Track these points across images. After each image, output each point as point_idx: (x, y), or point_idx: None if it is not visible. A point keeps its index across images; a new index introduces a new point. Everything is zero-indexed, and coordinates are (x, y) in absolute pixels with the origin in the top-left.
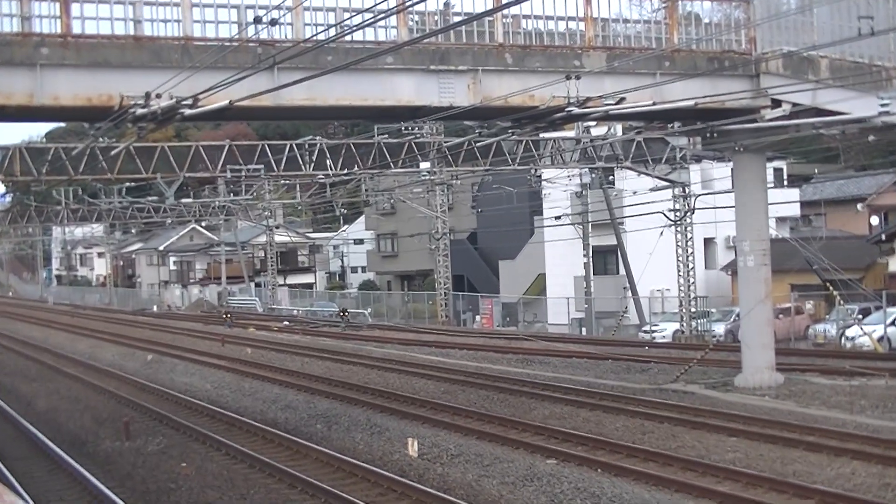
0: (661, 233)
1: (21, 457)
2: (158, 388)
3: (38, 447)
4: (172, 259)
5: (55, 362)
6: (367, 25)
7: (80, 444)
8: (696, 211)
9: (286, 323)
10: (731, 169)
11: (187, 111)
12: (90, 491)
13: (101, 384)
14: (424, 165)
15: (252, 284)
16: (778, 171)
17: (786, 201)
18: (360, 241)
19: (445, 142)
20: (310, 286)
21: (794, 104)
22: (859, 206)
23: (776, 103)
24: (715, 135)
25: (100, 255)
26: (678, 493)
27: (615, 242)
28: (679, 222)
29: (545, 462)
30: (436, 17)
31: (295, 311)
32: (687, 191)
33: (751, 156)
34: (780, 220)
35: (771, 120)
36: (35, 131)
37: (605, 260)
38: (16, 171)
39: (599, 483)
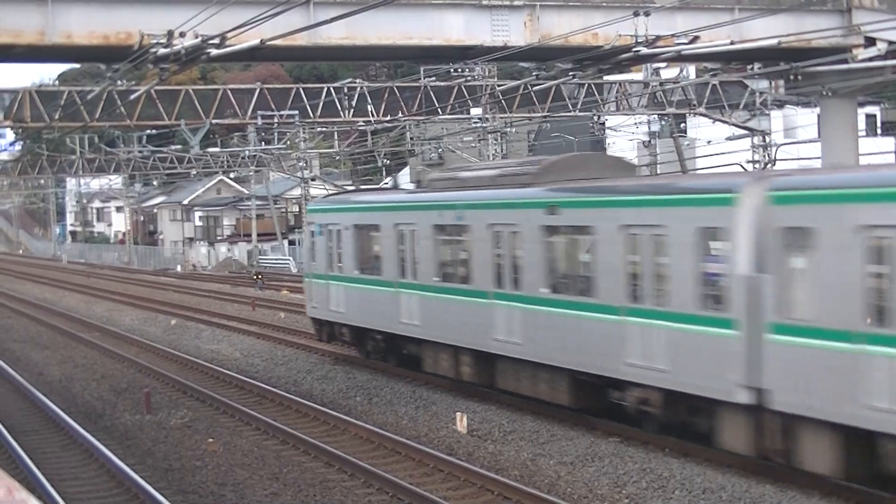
0: None
1: (33, 430)
2: (182, 356)
3: (52, 420)
4: (198, 214)
5: (69, 327)
6: None
7: (97, 416)
8: (777, 162)
9: None
10: (818, 116)
11: (214, 51)
12: (107, 468)
13: (119, 351)
14: (475, 111)
15: (285, 242)
16: (871, 117)
17: (879, 151)
18: None
19: (499, 85)
20: None
21: (891, 42)
22: None
23: (870, 41)
24: (800, 77)
25: (118, 209)
26: (755, 478)
27: None
28: None
29: (607, 440)
30: None
31: None
32: (767, 140)
33: (840, 101)
34: None
35: (864, 60)
36: (47, 73)
37: None
38: (26, 116)
39: (668, 464)
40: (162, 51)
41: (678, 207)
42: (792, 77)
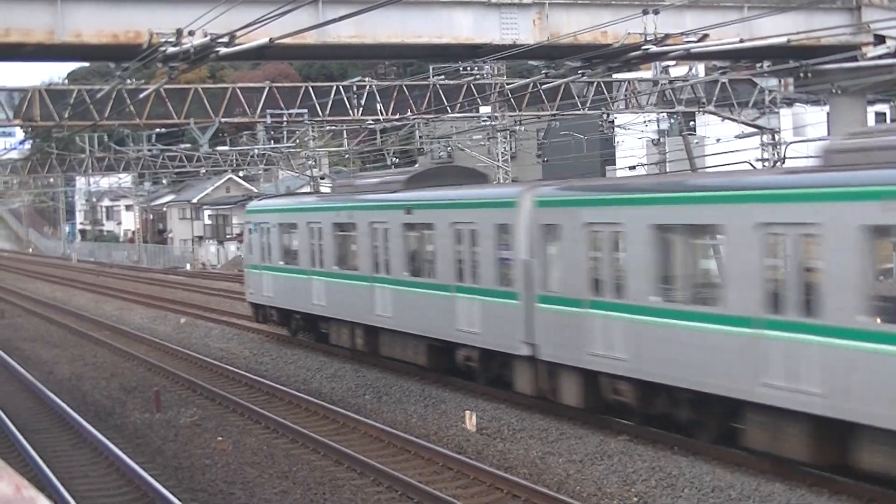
0: None
1: (43, 429)
2: (192, 355)
3: (61, 419)
4: (207, 213)
5: (79, 326)
6: None
7: (107, 415)
8: (787, 160)
9: None
10: (827, 114)
11: (223, 50)
12: (117, 467)
13: (129, 350)
14: (485, 110)
15: None
16: (880, 115)
17: None
18: None
19: (508, 83)
20: None
21: None
22: None
23: (879, 39)
24: (809, 75)
25: (127, 208)
26: (764, 476)
27: None
28: None
29: (616, 439)
30: None
31: None
32: (777, 138)
33: (850, 99)
34: None
35: (873, 58)
36: (56, 72)
37: None
38: (35, 115)
39: (676, 463)
40: (171, 49)
41: (484, 209)
42: (801, 75)
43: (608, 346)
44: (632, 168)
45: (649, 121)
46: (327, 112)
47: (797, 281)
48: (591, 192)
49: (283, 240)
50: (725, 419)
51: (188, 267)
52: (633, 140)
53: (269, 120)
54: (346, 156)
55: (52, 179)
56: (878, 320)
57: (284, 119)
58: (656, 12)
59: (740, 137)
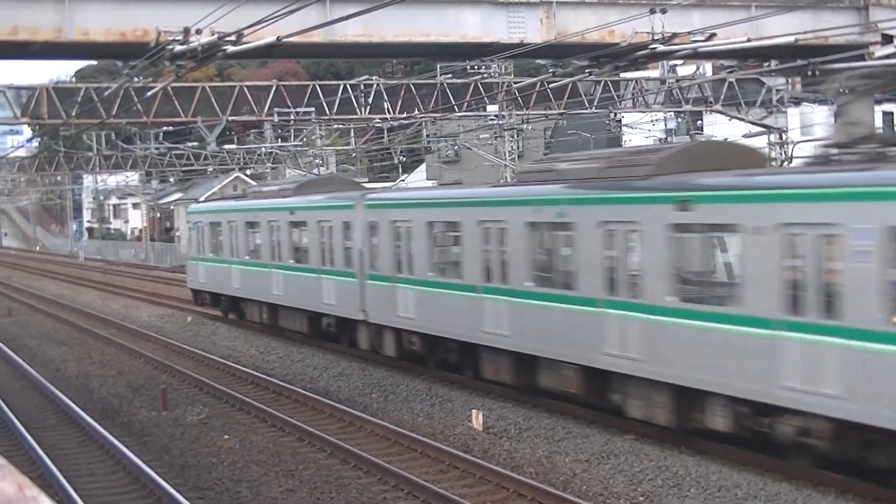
0: None
1: (49, 426)
2: (199, 353)
3: (68, 416)
4: None
5: (86, 324)
6: None
7: (113, 413)
8: (794, 160)
9: None
10: (835, 113)
11: (230, 48)
12: (124, 465)
13: (136, 348)
14: (492, 108)
15: None
16: (888, 115)
17: None
18: None
19: (515, 82)
20: None
21: None
22: None
23: (887, 39)
24: (817, 74)
25: (135, 206)
26: (770, 476)
27: None
28: None
29: (622, 438)
30: None
31: None
32: (784, 137)
33: (857, 98)
34: None
35: (881, 58)
36: (63, 70)
37: None
38: (43, 113)
39: (683, 462)
40: (178, 48)
41: (335, 210)
42: (809, 74)
43: (405, 311)
44: None
45: (656, 120)
46: (334, 110)
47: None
48: (394, 199)
49: (211, 236)
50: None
51: None
52: (641, 139)
53: (276, 118)
54: (354, 154)
55: (59, 177)
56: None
57: (292, 117)
58: (663, 11)
59: (748, 137)
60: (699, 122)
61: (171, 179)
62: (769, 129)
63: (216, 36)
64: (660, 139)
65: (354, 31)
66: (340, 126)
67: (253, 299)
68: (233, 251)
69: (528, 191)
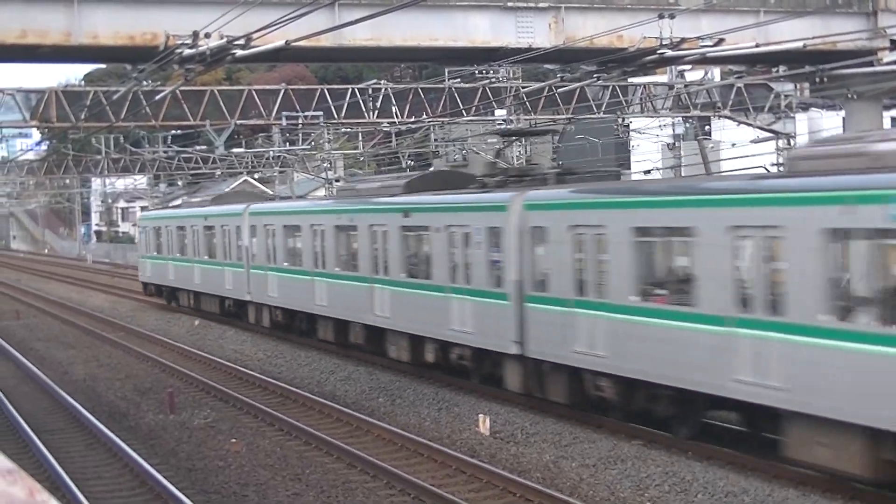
0: None
1: (57, 429)
2: (206, 356)
3: (76, 419)
4: None
5: (94, 327)
6: None
7: (121, 416)
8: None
9: None
10: (843, 119)
11: (239, 52)
12: (131, 468)
13: (143, 351)
14: (500, 113)
15: None
16: None
17: None
18: None
19: (523, 87)
20: None
21: None
22: None
23: (895, 44)
24: (825, 80)
25: (143, 209)
26: (777, 482)
27: None
28: None
29: (630, 443)
30: None
31: None
32: (792, 143)
33: (866, 104)
34: None
35: (889, 63)
36: (73, 73)
37: None
38: (52, 116)
39: (690, 468)
40: (187, 51)
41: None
42: (818, 80)
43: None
44: (647, 172)
45: (665, 125)
46: (343, 115)
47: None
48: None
49: (155, 237)
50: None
51: None
52: (649, 144)
53: (284, 122)
54: (361, 158)
55: (67, 181)
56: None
57: (300, 121)
58: (672, 16)
59: (756, 142)
60: (707, 127)
61: (180, 183)
62: (777, 134)
63: (225, 39)
64: (667, 144)
65: (363, 35)
66: (348, 130)
67: (182, 288)
68: (170, 249)
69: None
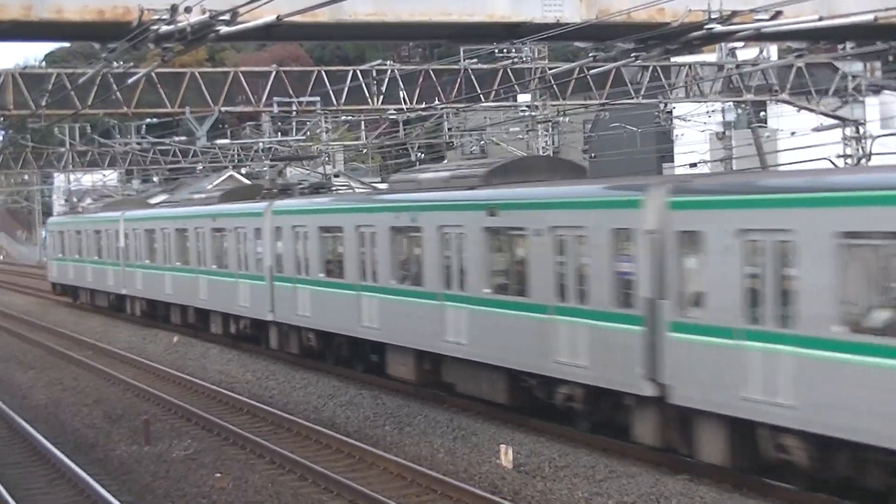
0: None
1: (15, 462)
2: (186, 378)
3: (37, 451)
4: None
5: (57, 345)
6: None
7: (88, 447)
8: (873, 156)
9: None
10: None
11: (224, 28)
12: None
13: (114, 373)
14: (523, 98)
15: None
16: None
17: None
18: None
19: (550, 68)
20: None
21: None
22: None
23: None
24: None
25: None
26: None
27: None
28: None
29: (675, 478)
30: None
31: None
32: (862, 131)
33: None
34: None
35: None
36: (32, 53)
37: None
38: (8, 102)
39: None
40: (164, 28)
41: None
42: (890, 58)
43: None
44: (693, 165)
45: (713, 111)
46: (342, 100)
47: None
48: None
49: (69, 240)
50: None
51: None
52: (695, 133)
53: (275, 109)
54: (364, 150)
55: (26, 176)
56: None
57: (293, 108)
58: None
59: (818, 130)
60: (762, 113)
61: (156, 179)
62: (844, 121)
63: (207, 14)
64: (716, 133)
65: (365, 9)
66: (349, 118)
67: (95, 289)
68: (74, 251)
69: None
